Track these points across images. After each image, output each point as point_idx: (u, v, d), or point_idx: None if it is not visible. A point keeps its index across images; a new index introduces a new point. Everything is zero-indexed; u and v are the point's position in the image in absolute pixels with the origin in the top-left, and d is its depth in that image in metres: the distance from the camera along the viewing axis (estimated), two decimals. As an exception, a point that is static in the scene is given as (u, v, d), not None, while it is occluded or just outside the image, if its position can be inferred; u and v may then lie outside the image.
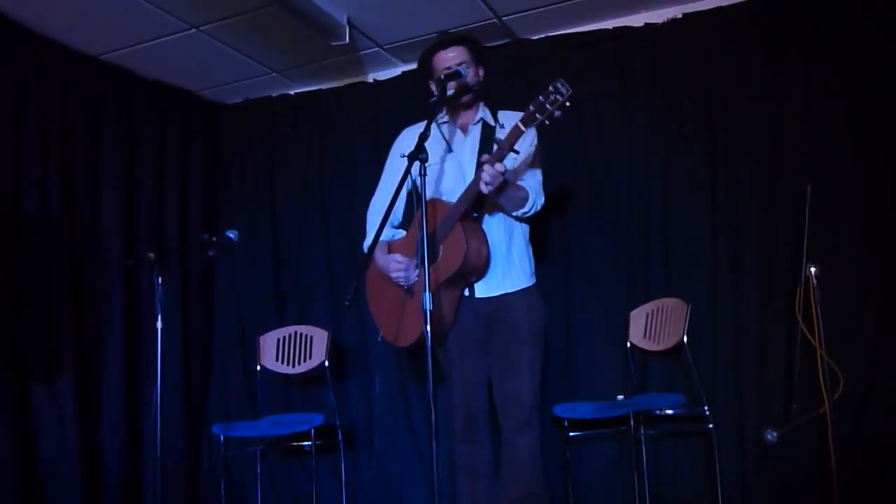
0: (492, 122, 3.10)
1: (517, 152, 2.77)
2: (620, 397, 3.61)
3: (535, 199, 3.00)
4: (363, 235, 4.39)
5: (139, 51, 4.19)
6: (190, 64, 4.41)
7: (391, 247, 3.15)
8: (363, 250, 3.21)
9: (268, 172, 4.82)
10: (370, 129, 4.54)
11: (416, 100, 4.26)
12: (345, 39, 3.97)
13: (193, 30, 3.99)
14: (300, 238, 4.69)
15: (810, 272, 3.23)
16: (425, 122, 2.74)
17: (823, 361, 3.21)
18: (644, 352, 3.81)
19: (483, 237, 2.94)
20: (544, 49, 4.14)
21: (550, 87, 2.61)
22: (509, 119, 3.05)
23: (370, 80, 4.70)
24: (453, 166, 3.07)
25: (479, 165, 2.79)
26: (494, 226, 3.01)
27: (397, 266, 3.02)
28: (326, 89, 4.80)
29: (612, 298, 3.90)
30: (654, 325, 3.76)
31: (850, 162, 3.49)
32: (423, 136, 2.60)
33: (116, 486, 4.00)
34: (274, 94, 4.92)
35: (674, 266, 3.80)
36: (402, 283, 3.03)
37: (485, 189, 2.73)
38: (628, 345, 3.80)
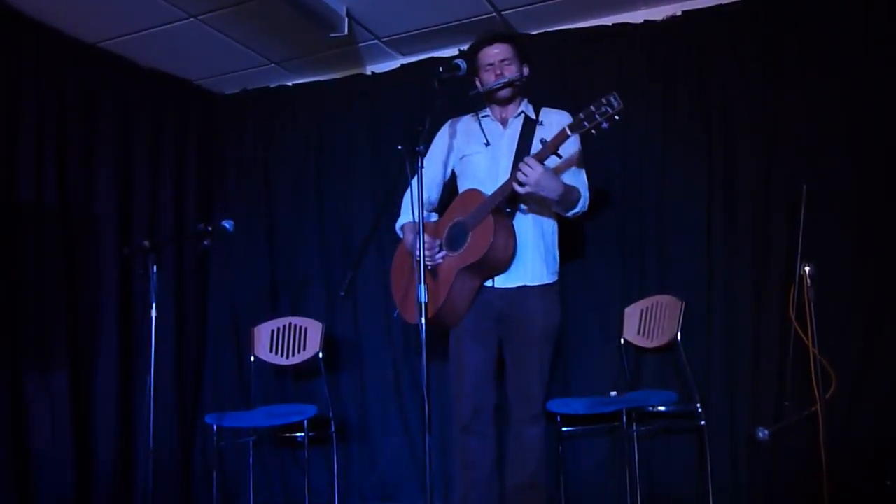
0: (533, 117, 3.15)
1: (559, 156, 2.84)
2: (614, 394, 3.61)
3: (585, 198, 3.09)
4: (360, 227, 4.45)
5: (137, 39, 4.17)
6: (188, 53, 4.40)
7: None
8: (395, 229, 3.33)
9: (264, 163, 4.81)
10: (368, 121, 4.54)
11: (415, 93, 4.30)
12: (344, 31, 3.96)
13: (192, 19, 3.97)
14: (296, 229, 4.68)
15: (804, 271, 3.25)
16: (471, 115, 2.98)
17: (816, 360, 3.23)
18: (638, 349, 3.82)
19: (512, 232, 3.00)
20: (544, 44, 4.13)
21: (603, 99, 2.69)
22: (550, 117, 3.16)
23: (369, 72, 4.69)
24: (488, 159, 3.13)
25: (520, 158, 2.89)
26: (524, 222, 3.07)
27: (429, 245, 3.05)
28: (324, 81, 4.79)
29: (607, 295, 3.91)
30: (648, 323, 3.77)
31: (846, 161, 3.49)
32: (423, 130, 2.64)
33: (109, 475, 3.99)
34: (272, 85, 4.91)
35: (668, 263, 3.81)
36: (427, 263, 3.06)
37: (519, 189, 2.82)
38: (622, 341, 3.81)
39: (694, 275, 3.73)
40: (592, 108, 2.70)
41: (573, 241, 3.97)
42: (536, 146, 3.03)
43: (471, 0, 3.88)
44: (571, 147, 3.03)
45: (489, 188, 3.00)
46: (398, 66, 4.56)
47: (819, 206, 3.38)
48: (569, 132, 2.77)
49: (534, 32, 4.21)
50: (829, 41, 3.57)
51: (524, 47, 3.18)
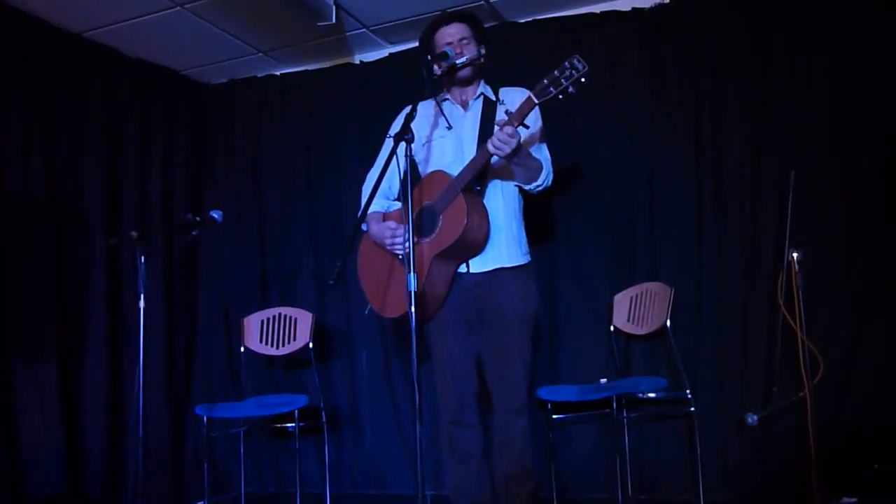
0: (493, 98, 3.08)
1: (527, 126, 2.74)
2: (604, 380, 3.62)
3: (549, 172, 2.99)
4: (349, 217, 4.43)
5: (123, 29, 4.14)
6: (175, 43, 4.37)
7: (385, 217, 3.13)
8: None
9: (253, 153, 4.80)
10: (356, 110, 4.53)
11: (403, 81, 4.29)
12: (332, 20, 3.94)
13: (178, 8, 3.94)
14: (285, 219, 4.67)
15: (793, 258, 3.27)
16: (428, 100, 2.80)
17: (804, 346, 3.25)
18: (627, 336, 3.84)
19: (484, 211, 2.90)
20: (532, 32, 4.13)
21: (566, 63, 2.60)
22: (510, 95, 3.06)
23: (357, 61, 4.67)
24: (453, 142, 3.04)
25: (484, 139, 2.78)
26: (495, 199, 2.98)
27: (391, 232, 2.98)
28: (313, 70, 4.77)
29: (597, 282, 3.92)
30: (637, 310, 3.78)
31: (834, 149, 3.52)
32: (409, 117, 2.60)
33: (99, 466, 3.98)
34: (260, 75, 4.89)
35: (658, 250, 3.82)
36: (397, 251, 2.99)
37: (492, 149, 2.69)
38: (612, 328, 3.82)
39: (683, 262, 3.74)
40: (556, 72, 2.62)
41: (563, 228, 3.98)
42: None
43: (459, -12, 3.89)
44: (534, 121, 2.98)
45: (455, 170, 2.90)
46: (386, 54, 4.55)
47: (807, 194, 3.41)
48: (535, 100, 2.67)
49: (522, 20, 4.20)
50: (816, 29, 3.59)
51: (481, 25, 3.10)
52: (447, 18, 3.04)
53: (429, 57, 2.96)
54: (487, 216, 2.90)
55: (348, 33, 4.38)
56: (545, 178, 2.98)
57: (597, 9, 4.06)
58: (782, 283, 3.36)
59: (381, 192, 3.06)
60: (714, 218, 3.71)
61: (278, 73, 4.86)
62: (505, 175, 2.97)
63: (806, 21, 3.61)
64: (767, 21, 3.68)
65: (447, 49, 2.92)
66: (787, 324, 3.35)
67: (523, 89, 3.04)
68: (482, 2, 4.01)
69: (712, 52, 3.77)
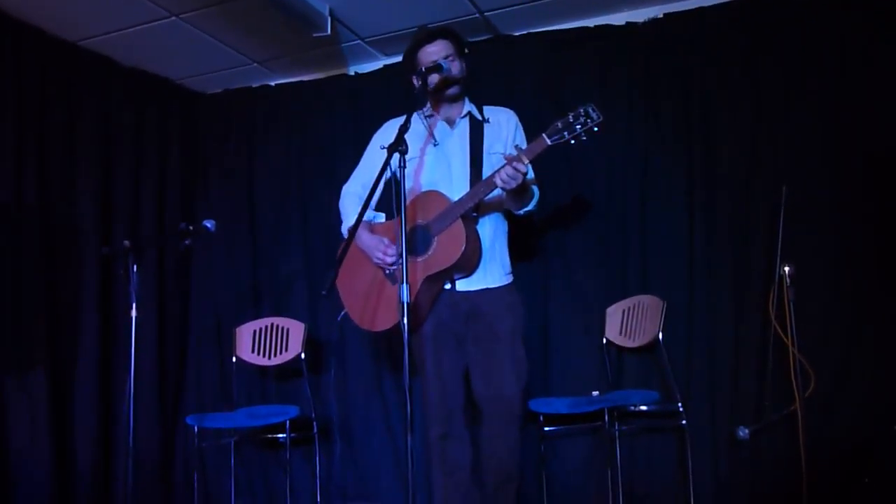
0: (479, 117, 3.10)
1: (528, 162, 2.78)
2: (595, 393, 3.62)
3: (537, 196, 3.05)
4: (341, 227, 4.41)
5: (118, 38, 4.14)
6: (169, 52, 4.37)
7: (373, 228, 3.14)
8: (342, 233, 3.23)
9: (246, 163, 4.79)
10: (350, 121, 4.53)
11: (397, 93, 4.29)
12: (327, 31, 3.95)
13: (173, 17, 3.95)
14: (278, 230, 4.67)
15: (784, 271, 3.28)
16: (413, 115, 2.76)
17: (795, 360, 3.26)
18: (619, 348, 3.84)
19: (478, 238, 2.96)
20: (526, 45, 4.15)
21: (581, 109, 2.66)
22: (496, 115, 3.11)
23: (351, 72, 4.69)
24: (438, 159, 3.06)
25: (475, 161, 2.86)
26: (483, 224, 3.02)
27: (384, 248, 3.00)
28: (307, 81, 4.78)
29: (589, 295, 3.92)
30: (629, 322, 3.79)
31: (826, 163, 3.53)
32: (404, 128, 2.60)
33: (88, 476, 3.96)
34: (254, 85, 4.89)
35: (650, 264, 3.83)
36: (385, 267, 3.01)
37: (500, 183, 2.74)
38: (604, 341, 3.82)
39: (675, 275, 3.75)
40: (570, 117, 2.67)
41: (555, 241, 3.99)
42: (490, 146, 3.03)
43: (453, 1, 3.89)
44: (521, 140, 3.03)
45: (442, 189, 2.95)
46: (381, 66, 4.56)
47: (799, 208, 3.42)
48: (547, 141, 2.72)
49: (517, 33, 4.22)
50: (808, 44, 3.61)
51: (462, 40, 3.11)
52: (429, 36, 3.05)
53: (422, 69, 2.97)
54: (481, 245, 2.95)
55: (343, 44, 4.39)
56: (534, 203, 3.05)
57: (591, 23, 4.08)
58: (774, 297, 3.36)
59: (356, 206, 3.06)
60: (706, 231, 3.72)
61: (273, 84, 4.87)
62: (496, 202, 3.02)
63: (797, 36, 3.63)
64: (758, 36, 3.71)
65: (442, 62, 2.93)
66: (779, 338, 3.35)
67: (508, 110, 3.13)
68: (477, 14, 4.03)
69: (704, 67, 3.79)
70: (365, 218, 3.09)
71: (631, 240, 3.87)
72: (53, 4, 3.76)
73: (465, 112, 3.12)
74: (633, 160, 3.90)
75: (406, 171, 3.04)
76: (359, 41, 4.36)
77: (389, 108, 4.28)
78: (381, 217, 3.19)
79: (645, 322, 3.73)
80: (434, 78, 2.96)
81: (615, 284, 3.89)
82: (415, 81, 3.07)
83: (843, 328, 3.44)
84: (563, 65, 4.07)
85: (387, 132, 3.21)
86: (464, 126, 3.09)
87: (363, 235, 3.10)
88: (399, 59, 4.43)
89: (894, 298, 3.35)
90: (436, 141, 3.08)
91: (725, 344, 3.62)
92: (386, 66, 4.52)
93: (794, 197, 3.38)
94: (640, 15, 3.98)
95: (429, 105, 3.15)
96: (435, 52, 3.01)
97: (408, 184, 3.08)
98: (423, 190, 3.02)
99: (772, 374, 3.40)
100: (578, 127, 2.66)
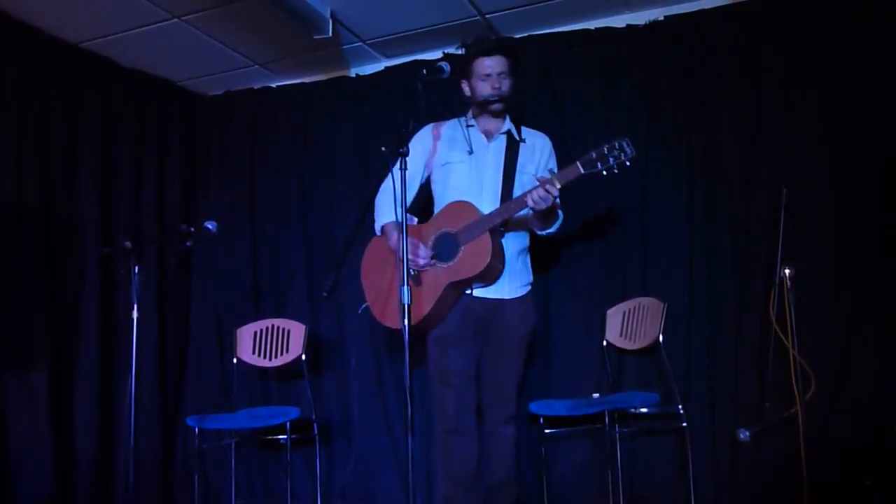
0: (517, 137, 3.19)
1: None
2: (596, 395, 3.63)
3: (561, 218, 3.16)
4: (342, 229, 4.43)
5: (119, 39, 4.15)
6: (171, 54, 4.38)
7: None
8: (374, 230, 3.29)
9: (247, 165, 4.80)
10: (351, 123, 4.53)
11: (398, 95, 4.30)
12: (328, 33, 3.96)
13: (175, 19, 3.96)
14: (279, 230, 4.67)
15: (784, 273, 3.28)
16: (455, 120, 3.05)
17: (796, 362, 3.26)
18: (620, 350, 3.84)
19: (502, 253, 3.05)
20: (528, 47, 4.15)
21: (616, 143, 2.79)
22: (532, 137, 3.23)
23: (352, 74, 4.69)
24: (471, 169, 3.14)
25: (508, 178, 3.03)
26: (507, 240, 3.11)
27: (413, 248, 3.05)
28: (308, 83, 4.78)
29: (589, 297, 3.92)
30: (630, 324, 3.79)
31: (826, 164, 3.53)
32: (406, 134, 2.65)
33: (89, 476, 3.96)
34: (256, 87, 4.90)
35: (651, 266, 3.83)
36: (413, 269, 3.07)
37: (531, 203, 2.85)
38: (604, 343, 3.82)
39: (676, 277, 3.75)
40: (605, 149, 2.78)
41: (556, 243, 3.99)
42: (522, 165, 3.12)
43: (455, 3, 3.89)
44: (553, 164, 3.17)
45: (471, 199, 3.05)
46: (382, 68, 4.56)
47: (799, 209, 3.42)
48: (581, 170, 2.83)
49: (518, 36, 4.22)
50: (808, 45, 3.62)
51: (519, 59, 3.18)
52: (489, 49, 3.09)
53: (463, 81, 3.14)
54: (504, 258, 3.06)
55: (344, 46, 4.40)
56: (557, 226, 3.16)
57: (592, 25, 4.08)
58: (774, 299, 3.36)
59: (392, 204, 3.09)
60: (706, 233, 3.72)
61: (274, 86, 4.87)
62: (522, 220, 3.12)
63: (797, 38, 3.64)
64: (759, 38, 3.71)
65: (442, 65, 2.94)
66: (779, 340, 3.35)
67: (544, 135, 3.27)
68: (478, 17, 4.03)
69: (705, 69, 3.80)
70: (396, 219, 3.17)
71: (631, 242, 3.87)
72: (55, 6, 3.77)
73: (504, 129, 3.20)
74: (633, 162, 3.88)
75: (439, 177, 3.19)
76: (360, 43, 4.36)
77: (391, 109, 4.33)
78: (415, 220, 3.27)
79: (645, 324, 3.73)
80: (486, 89, 3.05)
81: (615, 286, 3.89)
82: (465, 88, 3.17)
83: (844, 330, 3.43)
84: (564, 67, 4.07)
85: (425, 135, 3.28)
86: (501, 142, 3.18)
87: (394, 234, 3.15)
88: (400, 60, 4.49)
89: (894, 300, 3.36)
90: (471, 149, 3.15)
91: (726, 346, 3.62)
92: (387, 68, 4.53)
93: (795, 198, 3.39)
94: (640, 17, 3.98)
95: (470, 114, 3.23)
96: (491, 66, 3.07)
97: (437, 188, 3.21)
98: (455, 199, 3.10)
99: (772, 376, 3.40)
100: (612, 160, 2.78)
